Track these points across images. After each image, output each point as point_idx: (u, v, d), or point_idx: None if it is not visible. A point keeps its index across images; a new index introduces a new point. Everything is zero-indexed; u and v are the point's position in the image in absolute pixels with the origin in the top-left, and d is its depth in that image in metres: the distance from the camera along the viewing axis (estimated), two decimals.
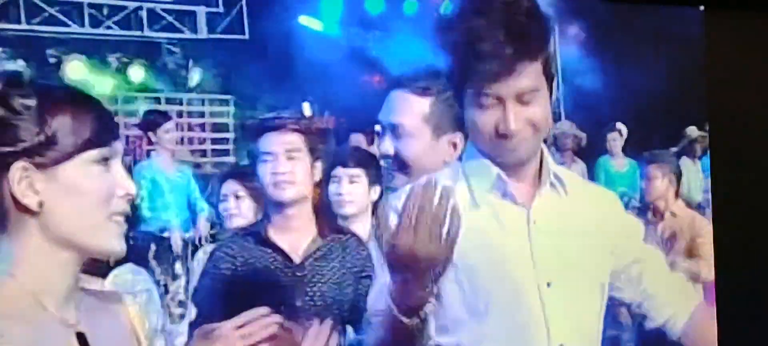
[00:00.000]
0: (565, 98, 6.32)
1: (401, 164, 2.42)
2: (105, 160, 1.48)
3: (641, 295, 2.21)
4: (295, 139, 2.88)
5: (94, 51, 6.30)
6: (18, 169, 1.44)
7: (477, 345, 2.08)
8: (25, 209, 1.45)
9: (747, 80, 3.33)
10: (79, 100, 1.50)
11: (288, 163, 2.86)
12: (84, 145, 1.46)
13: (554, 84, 2.10)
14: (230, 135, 6.78)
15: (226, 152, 6.69)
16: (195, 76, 6.75)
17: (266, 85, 6.41)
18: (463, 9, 2.05)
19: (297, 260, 2.82)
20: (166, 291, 4.57)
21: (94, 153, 1.47)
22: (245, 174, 3.71)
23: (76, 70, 6.20)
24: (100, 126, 1.48)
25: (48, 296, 1.48)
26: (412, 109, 2.42)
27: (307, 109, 6.50)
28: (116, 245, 1.50)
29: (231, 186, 3.82)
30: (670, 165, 4.81)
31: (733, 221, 3.07)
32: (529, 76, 2.00)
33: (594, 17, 6.37)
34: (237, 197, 3.78)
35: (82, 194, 1.47)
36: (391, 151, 2.41)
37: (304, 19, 6.73)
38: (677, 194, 4.74)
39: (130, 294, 1.71)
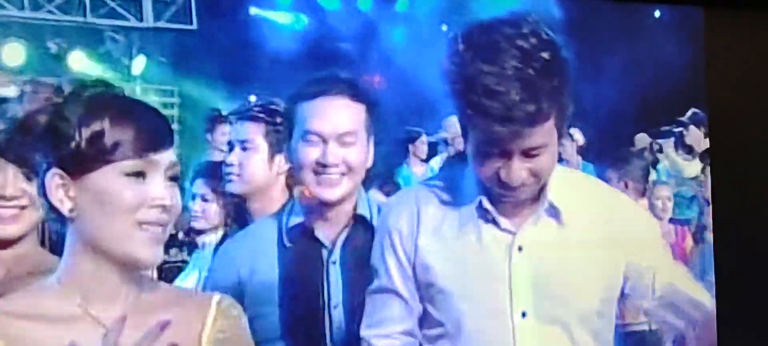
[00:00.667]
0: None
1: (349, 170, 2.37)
2: (138, 172, 1.52)
3: (656, 303, 2.15)
4: (252, 129, 2.77)
5: (33, 35, 6.09)
6: (53, 176, 1.54)
7: None
8: (61, 216, 1.55)
9: (747, 80, 3.33)
10: (117, 109, 1.54)
11: (239, 155, 2.78)
12: (114, 156, 1.51)
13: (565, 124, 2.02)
14: (175, 126, 6.58)
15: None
16: (138, 66, 6.57)
17: (213, 77, 6.31)
18: (471, 47, 1.93)
19: None
20: None
21: (126, 164, 1.52)
22: (217, 173, 3.46)
23: (13, 55, 5.99)
24: (137, 137, 1.52)
25: (89, 300, 1.56)
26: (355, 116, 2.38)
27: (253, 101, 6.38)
28: (145, 254, 1.54)
29: (199, 187, 3.65)
30: (629, 167, 4.75)
31: (734, 220, 3.09)
32: (542, 134, 1.93)
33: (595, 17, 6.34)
34: (204, 200, 3.62)
35: (107, 203, 1.52)
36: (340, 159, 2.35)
37: (255, 10, 6.58)
38: (643, 194, 4.68)
39: (222, 299, 1.72)
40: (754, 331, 3.07)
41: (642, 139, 6.34)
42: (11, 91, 1.89)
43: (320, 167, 2.35)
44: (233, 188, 2.83)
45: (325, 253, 2.42)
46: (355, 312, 2.30)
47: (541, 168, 1.97)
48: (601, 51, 5.92)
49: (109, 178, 1.52)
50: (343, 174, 2.35)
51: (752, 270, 3.13)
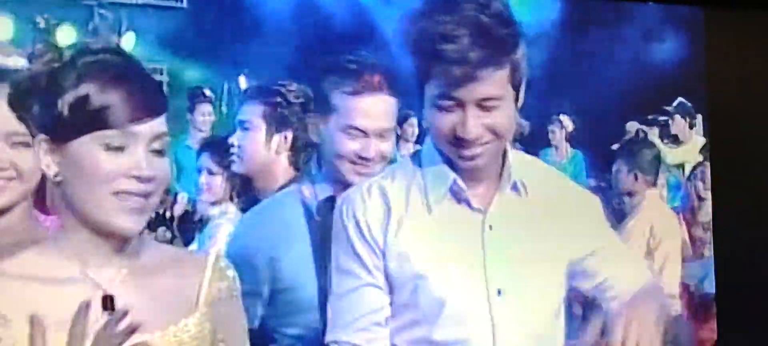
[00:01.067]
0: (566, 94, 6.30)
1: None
2: (116, 144, 1.56)
3: (598, 287, 2.17)
4: (250, 110, 2.88)
5: (22, 10, 6.02)
6: (40, 141, 1.59)
7: None
8: (51, 182, 1.61)
9: (747, 79, 3.35)
10: (105, 78, 1.56)
11: (239, 135, 2.89)
12: (94, 125, 1.55)
13: (522, 90, 2.04)
14: None
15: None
16: (127, 42, 6.50)
17: (202, 55, 6.28)
18: (430, 3, 1.98)
19: None
20: None
21: (104, 134, 1.56)
22: (221, 147, 3.61)
23: (1, 29, 5.91)
24: (119, 108, 1.55)
25: (84, 262, 1.61)
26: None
27: (243, 82, 6.38)
28: (124, 223, 1.58)
29: (205, 160, 3.81)
30: (639, 158, 4.74)
31: (734, 219, 3.11)
32: (493, 83, 1.95)
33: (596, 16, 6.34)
34: (210, 173, 3.77)
35: (86, 172, 1.56)
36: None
37: None
38: (653, 185, 4.66)
39: (217, 259, 1.77)
40: (755, 331, 3.09)
41: (632, 127, 6.38)
42: (13, 62, 1.92)
43: (359, 159, 2.50)
44: (236, 167, 2.96)
45: None
46: None
47: (497, 124, 1.98)
48: (600, 45, 5.96)
49: (88, 147, 1.55)
50: (376, 164, 2.50)
51: (752, 270, 3.15)
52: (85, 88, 1.55)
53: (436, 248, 2.05)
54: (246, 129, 2.88)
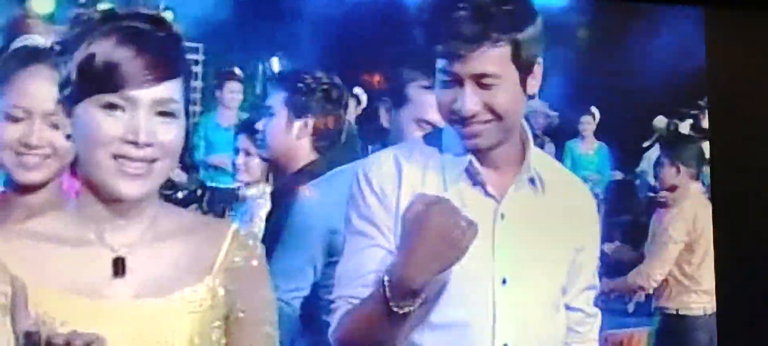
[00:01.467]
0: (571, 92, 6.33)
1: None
2: (114, 105, 1.53)
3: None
4: (273, 96, 2.92)
5: None
6: (58, 103, 1.59)
7: (420, 332, 2.02)
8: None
9: (747, 79, 3.34)
10: (114, 41, 1.53)
11: (264, 121, 2.93)
12: (96, 88, 1.53)
13: (535, 75, 2.01)
14: (198, 83, 6.67)
15: (193, 101, 6.57)
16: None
17: (238, 35, 6.34)
18: None
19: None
20: None
21: (103, 97, 1.53)
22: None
23: (42, 3, 6.02)
24: (120, 71, 1.52)
25: (100, 225, 1.59)
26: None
27: (275, 64, 6.45)
28: (124, 188, 1.55)
29: (242, 141, 3.86)
30: (682, 151, 4.76)
31: (734, 220, 3.10)
32: (490, 60, 1.93)
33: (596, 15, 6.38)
34: (247, 153, 3.82)
35: (87, 135, 1.54)
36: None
37: None
38: (696, 178, 4.64)
39: (238, 229, 1.71)
40: (755, 332, 3.08)
41: (661, 122, 6.41)
42: (42, 40, 1.98)
43: None
44: (262, 153, 3.05)
45: None
46: None
47: (496, 103, 1.94)
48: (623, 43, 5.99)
49: (90, 109, 1.53)
50: None
51: (752, 270, 3.14)
52: (92, 49, 1.52)
53: None
54: (270, 115, 2.92)
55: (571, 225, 2.09)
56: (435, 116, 2.38)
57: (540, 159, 2.13)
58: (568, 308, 2.13)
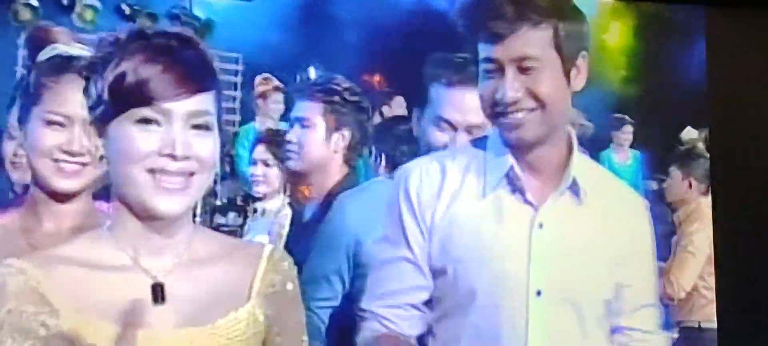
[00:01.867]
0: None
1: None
2: (149, 120, 1.50)
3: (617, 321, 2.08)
4: (310, 108, 2.85)
5: None
6: (90, 125, 1.56)
7: (453, 339, 2.02)
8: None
9: (748, 79, 3.30)
10: (143, 56, 1.51)
11: (298, 132, 2.86)
12: (129, 104, 1.50)
13: (578, 67, 1.98)
14: (237, 94, 6.73)
15: (232, 111, 6.66)
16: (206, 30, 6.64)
17: (275, 46, 6.41)
18: None
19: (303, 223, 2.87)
20: None
21: (137, 112, 1.50)
22: (277, 140, 3.68)
23: (87, 15, 6.12)
24: (153, 85, 1.50)
25: (137, 250, 1.55)
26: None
27: (312, 72, 6.49)
28: (160, 204, 1.51)
29: (261, 152, 3.83)
30: (694, 165, 4.75)
31: (734, 220, 3.07)
32: (532, 42, 1.91)
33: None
34: (266, 165, 3.81)
35: (122, 152, 1.51)
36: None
37: None
38: (706, 193, 4.60)
39: (273, 251, 1.69)
40: (754, 333, 3.04)
41: (689, 133, 6.38)
42: (75, 50, 1.91)
43: None
44: (292, 165, 2.91)
45: None
46: None
47: (539, 89, 1.91)
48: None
49: (123, 125, 1.50)
50: None
51: (753, 271, 3.10)
52: (123, 67, 1.50)
53: (482, 236, 1.99)
54: (305, 126, 2.85)
55: (617, 238, 2.03)
56: (453, 116, 2.41)
57: (588, 168, 2.09)
58: (619, 329, 2.07)
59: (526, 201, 1.99)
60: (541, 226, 1.98)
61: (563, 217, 1.99)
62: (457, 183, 2.02)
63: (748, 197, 3.31)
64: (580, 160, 2.05)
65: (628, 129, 6.46)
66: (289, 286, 1.67)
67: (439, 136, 2.44)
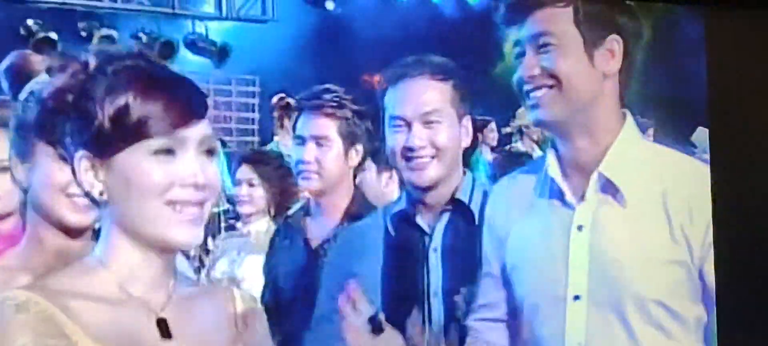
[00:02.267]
0: None
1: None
2: (167, 150, 1.45)
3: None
4: (325, 125, 2.76)
5: (125, 26, 6.31)
6: (81, 159, 1.47)
7: None
8: (94, 200, 1.49)
9: (748, 79, 3.31)
10: (142, 83, 1.45)
11: (315, 151, 2.76)
12: (140, 134, 1.43)
13: (611, 52, 2.00)
14: (255, 115, 6.79)
15: (251, 132, 6.72)
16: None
17: (293, 67, 6.46)
18: None
19: (313, 245, 2.77)
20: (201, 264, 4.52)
21: (153, 142, 1.44)
22: (262, 159, 3.68)
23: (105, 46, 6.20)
24: (164, 112, 1.44)
25: (134, 284, 1.50)
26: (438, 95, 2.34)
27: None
28: (181, 236, 1.46)
29: (245, 172, 3.70)
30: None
31: (734, 221, 3.08)
32: (548, 19, 1.95)
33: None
34: (250, 185, 3.67)
35: (137, 184, 1.44)
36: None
37: (330, 4, 6.73)
38: None
39: (238, 288, 1.70)
40: (755, 333, 3.05)
41: (701, 133, 6.37)
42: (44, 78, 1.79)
43: (408, 152, 2.33)
44: (310, 185, 2.80)
45: (426, 240, 2.39)
46: (454, 300, 2.28)
47: (556, 68, 1.92)
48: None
49: (136, 158, 1.43)
50: (432, 156, 2.33)
51: (753, 271, 3.11)
52: (123, 98, 1.43)
53: (529, 242, 2.02)
54: (321, 145, 2.74)
55: (665, 236, 2.01)
56: (401, 110, 2.33)
57: (634, 153, 2.03)
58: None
59: (565, 203, 2.00)
60: (579, 229, 1.97)
61: (603, 219, 1.98)
62: (526, 197, 2.05)
63: (748, 197, 3.32)
64: (618, 148, 1.99)
65: (650, 129, 6.44)
66: (258, 324, 1.66)
67: (397, 138, 2.38)
